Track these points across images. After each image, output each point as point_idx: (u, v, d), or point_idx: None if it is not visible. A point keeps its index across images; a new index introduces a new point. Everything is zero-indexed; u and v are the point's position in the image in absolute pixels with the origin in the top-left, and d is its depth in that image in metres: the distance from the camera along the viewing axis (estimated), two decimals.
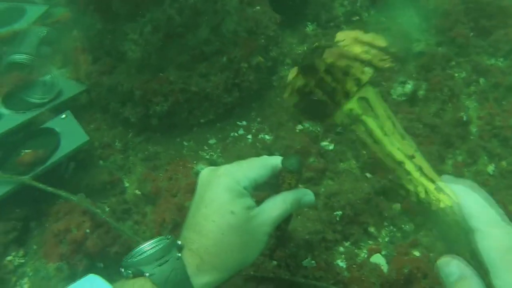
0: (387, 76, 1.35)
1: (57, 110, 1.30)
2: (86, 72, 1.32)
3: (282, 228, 0.90)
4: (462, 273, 0.54)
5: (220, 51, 1.25)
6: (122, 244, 1.05)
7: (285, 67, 1.46)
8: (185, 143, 1.29)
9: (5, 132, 1.21)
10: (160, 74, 1.23)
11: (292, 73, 0.65)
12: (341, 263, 1.04)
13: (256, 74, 1.31)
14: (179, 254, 0.68)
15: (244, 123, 1.33)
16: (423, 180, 0.57)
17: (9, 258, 1.11)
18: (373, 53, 0.56)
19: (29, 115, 1.26)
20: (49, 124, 1.24)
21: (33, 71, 1.42)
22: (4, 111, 1.27)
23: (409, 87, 1.31)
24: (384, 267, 1.02)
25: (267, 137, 1.28)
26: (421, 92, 1.33)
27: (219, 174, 0.72)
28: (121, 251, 1.04)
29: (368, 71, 0.58)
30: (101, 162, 1.27)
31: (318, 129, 1.26)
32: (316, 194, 1.10)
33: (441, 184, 0.57)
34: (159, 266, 0.66)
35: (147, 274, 0.65)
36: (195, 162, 1.22)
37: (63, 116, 1.26)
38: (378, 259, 1.04)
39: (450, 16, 1.52)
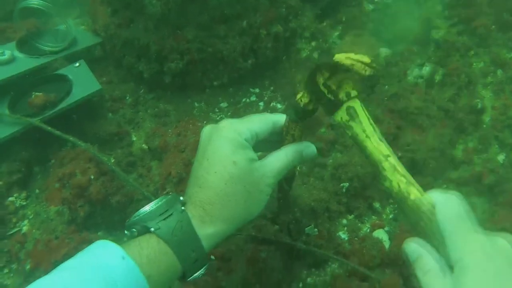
0: (405, 57, 1.34)
1: (71, 59, 1.30)
2: (104, 24, 1.30)
3: (284, 189, 0.90)
4: (419, 252, 0.58)
5: (240, 15, 1.24)
6: (125, 195, 1.05)
7: (303, 40, 1.44)
8: (196, 104, 1.28)
9: (18, 74, 1.20)
10: (178, 31, 1.21)
11: (299, 93, 0.76)
12: (343, 235, 1.03)
13: (274, 42, 1.30)
14: (183, 208, 0.67)
15: (257, 90, 1.32)
16: (397, 176, 0.65)
17: (11, 198, 1.11)
18: (358, 65, 0.68)
19: (42, 60, 1.26)
20: (62, 71, 1.23)
21: (49, 19, 1.41)
22: (18, 54, 1.26)
23: (426, 69, 1.30)
24: (386, 243, 1.01)
25: (279, 105, 1.27)
26: (438, 77, 1.32)
27: (220, 127, 0.71)
28: (123, 201, 1.04)
29: (355, 92, 0.71)
30: (110, 114, 1.26)
31: None
32: (324, 165, 1.10)
33: (411, 179, 0.65)
34: (164, 220, 0.65)
35: (152, 229, 0.64)
36: (205, 122, 1.21)
37: (77, 64, 1.26)
38: (380, 234, 1.03)
39: (474, 6, 1.50)
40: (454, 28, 1.53)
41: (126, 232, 0.68)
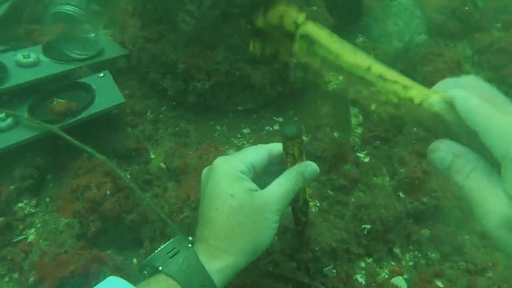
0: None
1: (96, 69, 1.28)
2: (132, 36, 1.28)
3: (300, 220, 0.87)
4: (454, 151, 0.49)
5: None
6: (140, 213, 1.01)
7: (331, 73, 1.42)
8: (218, 127, 1.25)
9: (41, 79, 1.17)
10: (208, 52, 1.19)
11: (251, 45, 0.74)
12: (361, 278, 0.99)
13: (303, 72, 1.27)
14: (190, 245, 0.68)
15: (281, 119, 1.29)
16: (388, 85, 0.57)
17: (20, 204, 1.07)
18: None
19: (67, 66, 1.23)
20: (86, 80, 1.21)
21: (79, 26, 1.39)
22: (43, 58, 1.24)
23: None
24: None
25: (303, 137, 1.24)
26: None
27: (215, 165, 0.72)
28: (137, 220, 1.00)
29: (302, 16, 0.64)
30: (129, 129, 1.23)
31: (356, 139, 1.22)
32: (345, 204, 1.07)
33: (406, 82, 0.55)
34: (171, 258, 0.66)
35: (160, 268, 0.65)
36: (226, 147, 1.18)
37: (101, 74, 1.23)
38: (399, 281, 0.99)
39: (505, 53, 1.49)
40: (482, 74, 1.51)
41: (144, 272, 0.69)
